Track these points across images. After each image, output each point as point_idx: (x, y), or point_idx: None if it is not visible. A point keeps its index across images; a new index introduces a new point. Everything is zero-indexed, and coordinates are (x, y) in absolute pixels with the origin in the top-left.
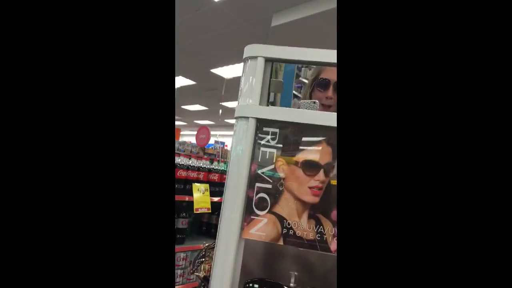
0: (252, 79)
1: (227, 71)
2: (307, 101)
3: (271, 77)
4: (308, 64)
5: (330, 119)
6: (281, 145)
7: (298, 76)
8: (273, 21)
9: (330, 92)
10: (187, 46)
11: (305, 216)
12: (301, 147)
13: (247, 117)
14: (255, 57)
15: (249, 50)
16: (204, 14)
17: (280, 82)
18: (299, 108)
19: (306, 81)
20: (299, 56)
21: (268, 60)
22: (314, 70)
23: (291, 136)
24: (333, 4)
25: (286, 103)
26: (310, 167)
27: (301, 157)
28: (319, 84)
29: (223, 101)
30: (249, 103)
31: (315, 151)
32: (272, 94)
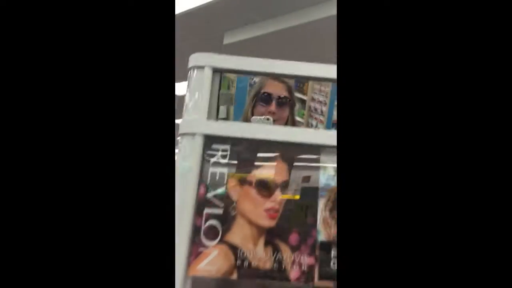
0: (198, 91)
1: (177, 88)
2: (260, 117)
3: (220, 89)
4: (259, 75)
5: (285, 133)
6: (233, 163)
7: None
8: (225, 39)
9: (273, 107)
10: None
11: (261, 243)
12: (254, 165)
13: (193, 134)
14: (201, 67)
15: (195, 59)
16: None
17: (231, 95)
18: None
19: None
20: (250, 67)
21: (216, 70)
22: (255, 85)
23: (244, 153)
24: (283, 25)
25: (238, 119)
26: (264, 186)
27: (254, 175)
28: (262, 99)
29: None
30: (195, 118)
31: (270, 168)
32: (223, 110)
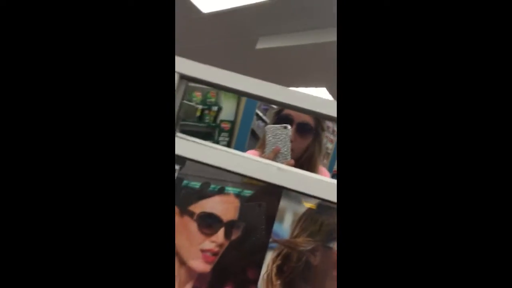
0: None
1: None
2: (276, 126)
3: (183, 99)
4: (227, 90)
5: (245, 166)
6: (185, 187)
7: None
8: (259, 44)
9: (292, 132)
10: None
11: (188, 287)
12: (203, 194)
13: None
14: None
15: None
16: (191, 23)
17: (193, 107)
18: (264, 133)
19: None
20: (221, 81)
21: (183, 77)
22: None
23: (193, 178)
24: (315, 39)
25: (241, 138)
26: (208, 222)
27: (199, 207)
28: (281, 118)
29: None
30: None
31: (219, 203)
32: (230, 112)
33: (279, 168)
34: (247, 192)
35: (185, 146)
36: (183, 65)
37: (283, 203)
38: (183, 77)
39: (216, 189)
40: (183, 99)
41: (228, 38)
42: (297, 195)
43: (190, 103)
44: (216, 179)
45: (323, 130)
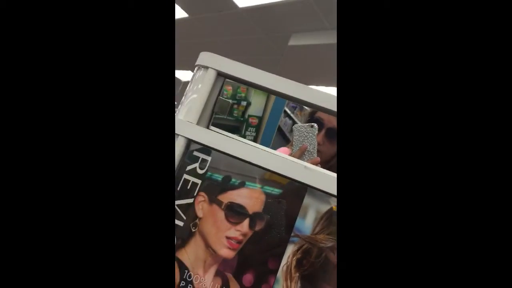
0: (197, 92)
1: None
2: (304, 124)
3: (219, 95)
4: (265, 91)
5: (274, 162)
6: (209, 177)
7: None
8: (291, 40)
9: (320, 137)
10: (201, 44)
11: (212, 271)
12: (231, 186)
13: (177, 134)
14: (206, 67)
15: (202, 58)
16: (225, 17)
17: (227, 103)
18: (291, 132)
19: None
20: (257, 80)
21: (220, 74)
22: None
23: (224, 170)
24: None
25: (268, 133)
26: (234, 212)
27: (227, 197)
28: (311, 121)
29: None
30: (183, 119)
31: (246, 196)
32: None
33: (305, 167)
34: (267, 189)
35: (215, 138)
36: (220, 63)
37: (307, 200)
38: (220, 74)
39: (237, 183)
40: (219, 95)
41: (262, 33)
42: (321, 194)
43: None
44: (238, 174)
45: None
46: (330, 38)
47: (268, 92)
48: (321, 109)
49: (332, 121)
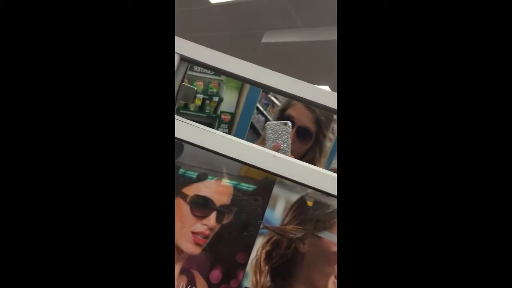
0: None
1: None
2: (277, 122)
3: (182, 81)
4: (226, 75)
5: (249, 154)
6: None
7: (267, 92)
8: (264, 38)
9: (291, 135)
10: None
11: (176, 269)
12: (197, 177)
13: None
14: None
15: None
16: (197, 13)
17: (192, 90)
18: (263, 129)
19: (274, 99)
20: (222, 65)
21: (184, 59)
22: (284, 101)
23: (188, 160)
24: (321, 37)
25: (241, 130)
26: (200, 206)
27: (192, 190)
28: (281, 119)
29: None
30: None
31: (212, 187)
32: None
33: (274, 156)
34: (244, 186)
35: (184, 129)
36: (184, 47)
37: (276, 191)
38: (184, 59)
39: (213, 181)
40: (182, 81)
41: (234, 30)
42: (291, 184)
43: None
44: (213, 171)
45: (324, 137)
46: (302, 36)
47: (235, 78)
48: (291, 96)
49: (303, 120)
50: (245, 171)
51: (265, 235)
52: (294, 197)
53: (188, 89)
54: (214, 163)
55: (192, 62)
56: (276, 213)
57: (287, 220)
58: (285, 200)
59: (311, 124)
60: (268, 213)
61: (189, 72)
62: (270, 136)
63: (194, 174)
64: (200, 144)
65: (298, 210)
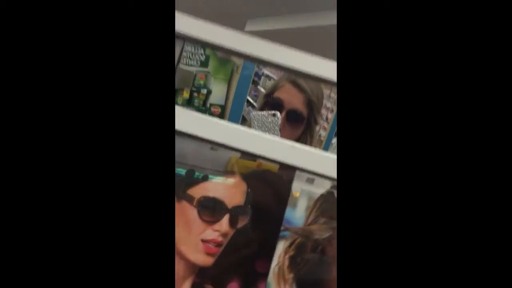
0: None
1: None
2: (263, 113)
3: (179, 62)
4: (232, 53)
5: (251, 141)
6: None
7: (256, 83)
8: (247, 26)
9: (281, 119)
10: None
11: (186, 285)
12: (203, 176)
13: None
14: None
15: None
16: (178, 2)
17: (190, 73)
18: (250, 120)
19: (262, 90)
20: (225, 41)
21: (179, 36)
22: (271, 85)
23: (191, 156)
24: (305, 23)
25: (237, 108)
26: (209, 209)
27: (199, 191)
28: (270, 104)
29: None
30: None
31: (222, 187)
32: (220, 96)
33: (293, 146)
34: (231, 181)
35: (184, 119)
36: (179, 22)
37: (296, 185)
38: (179, 36)
39: (200, 177)
40: (179, 61)
41: (216, 18)
42: (312, 177)
43: (188, 69)
44: (199, 167)
45: (316, 123)
46: (286, 23)
47: (231, 53)
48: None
49: (293, 102)
50: (232, 166)
51: (287, 238)
52: (318, 192)
53: (185, 73)
54: (199, 160)
55: (187, 39)
56: (298, 212)
57: (311, 219)
58: (307, 196)
59: (303, 107)
60: (288, 212)
61: None
62: (257, 129)
63: (182, 171)
64: (210, 138)
65: (324, 206)
